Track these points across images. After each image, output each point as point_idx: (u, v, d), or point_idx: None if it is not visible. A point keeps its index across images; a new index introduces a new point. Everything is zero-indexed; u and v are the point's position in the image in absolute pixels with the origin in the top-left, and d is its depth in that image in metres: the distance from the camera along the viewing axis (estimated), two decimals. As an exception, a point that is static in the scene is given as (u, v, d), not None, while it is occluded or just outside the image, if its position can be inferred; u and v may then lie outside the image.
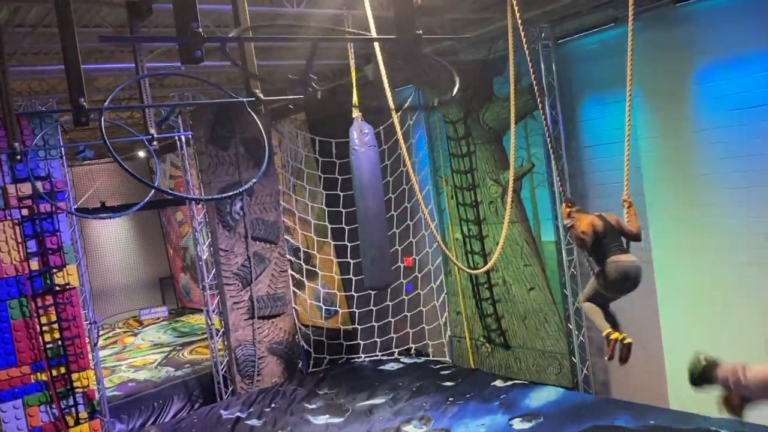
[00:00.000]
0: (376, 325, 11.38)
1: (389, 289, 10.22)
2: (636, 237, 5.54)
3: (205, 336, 12.16)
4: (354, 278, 10.86)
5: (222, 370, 10.81)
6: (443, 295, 10.90)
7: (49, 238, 8.66)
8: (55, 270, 8.68)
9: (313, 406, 9.68)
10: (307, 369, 11.41)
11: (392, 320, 11.32)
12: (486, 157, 9.72)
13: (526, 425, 7.99)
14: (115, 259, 17.51)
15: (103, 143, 3.63)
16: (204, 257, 10.85)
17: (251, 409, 9.82)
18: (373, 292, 10.83)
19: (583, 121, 8.65)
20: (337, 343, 11.53)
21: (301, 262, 11.83)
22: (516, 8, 5.54)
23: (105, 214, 11.72)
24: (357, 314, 11.38)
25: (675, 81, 7.56)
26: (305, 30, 4.51)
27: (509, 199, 6.70)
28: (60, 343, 8.67)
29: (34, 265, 8.57)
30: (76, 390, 8.76)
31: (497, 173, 9.62)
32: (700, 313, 7.73)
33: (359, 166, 7.03)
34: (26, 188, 8.51)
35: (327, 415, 9.27)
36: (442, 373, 10.33)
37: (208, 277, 10.75)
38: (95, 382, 9.14)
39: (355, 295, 11.24)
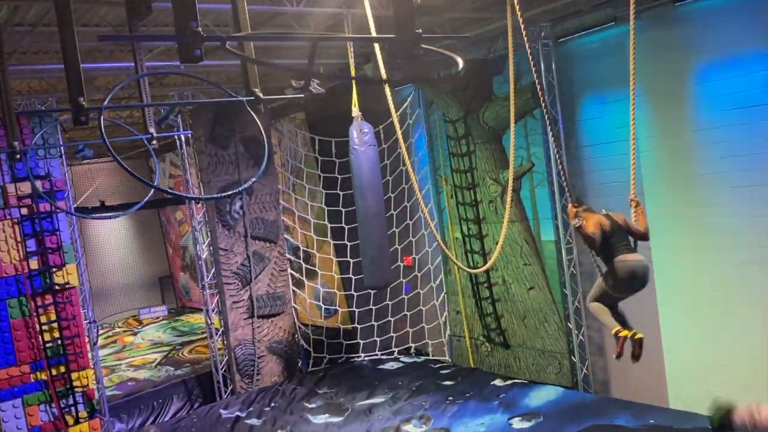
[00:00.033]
0: (375, 324, 11.38)
1: (389, 289, 10.20)
2: (644, 236, 5.48)
3: (204, 335, 12.16)
4: (354, 277, 10.86)
5: (221, 369, 10.80)
6: (443, 295, 10.89)
7: (48, 237, 8.66)
8: (54, 269, 8.68)
9: (313, 406, 9.68)
10: (307, 368, 11.40)
11: (392, 319, 11.32)
12: (486, 156, 9.72)
13: (526, 424, 7.99)
14: (114, 259, 17.50)
15: (103, 142, 3.63)
16: (203, 256, 10.84)
17: (251, 409, 9.82)
18: (372, 292, 10.81)
19: (582, 120, 8.65)
20: (337, 343, 11.52)
21: (301, 261, 11.83)
22: (516, 7, 5.53)
23: (104, 214, 11.71)
24: (356, 313, 11.37)
25: (675, 80, 7.55)
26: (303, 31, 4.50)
27: (509, 199, 6.70)
28: (59, 342, 8.66)
29: (34, 264, 8.57)
30: (75, 389, 8.76)
31: (497, 172, 9.62)
32: (700, 312, 7.73)
33: (359, 165, 7.04)
34: (26, 187, 8.51)
35: (326, 415, 9.27)
36: (441, 372, 10.33)
37: (207, 277, 10.74)
38: (95, 382, 9.14)
39: (355, 294, 11.24)
